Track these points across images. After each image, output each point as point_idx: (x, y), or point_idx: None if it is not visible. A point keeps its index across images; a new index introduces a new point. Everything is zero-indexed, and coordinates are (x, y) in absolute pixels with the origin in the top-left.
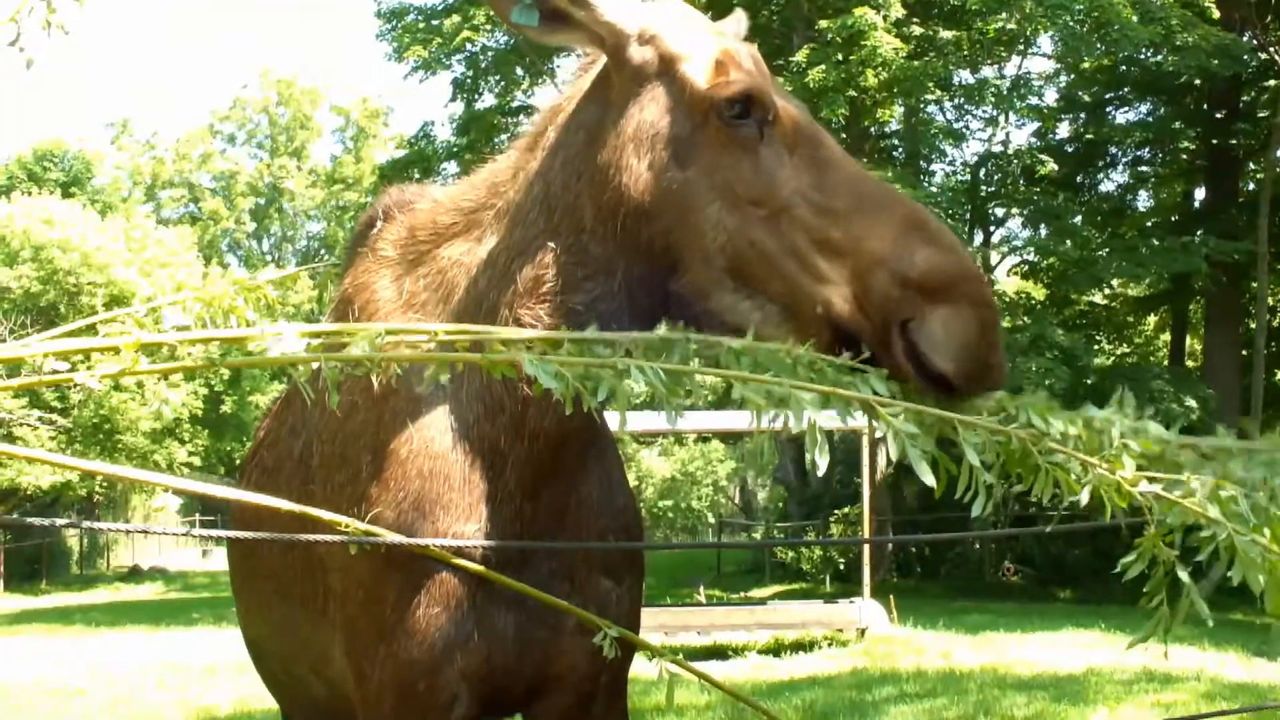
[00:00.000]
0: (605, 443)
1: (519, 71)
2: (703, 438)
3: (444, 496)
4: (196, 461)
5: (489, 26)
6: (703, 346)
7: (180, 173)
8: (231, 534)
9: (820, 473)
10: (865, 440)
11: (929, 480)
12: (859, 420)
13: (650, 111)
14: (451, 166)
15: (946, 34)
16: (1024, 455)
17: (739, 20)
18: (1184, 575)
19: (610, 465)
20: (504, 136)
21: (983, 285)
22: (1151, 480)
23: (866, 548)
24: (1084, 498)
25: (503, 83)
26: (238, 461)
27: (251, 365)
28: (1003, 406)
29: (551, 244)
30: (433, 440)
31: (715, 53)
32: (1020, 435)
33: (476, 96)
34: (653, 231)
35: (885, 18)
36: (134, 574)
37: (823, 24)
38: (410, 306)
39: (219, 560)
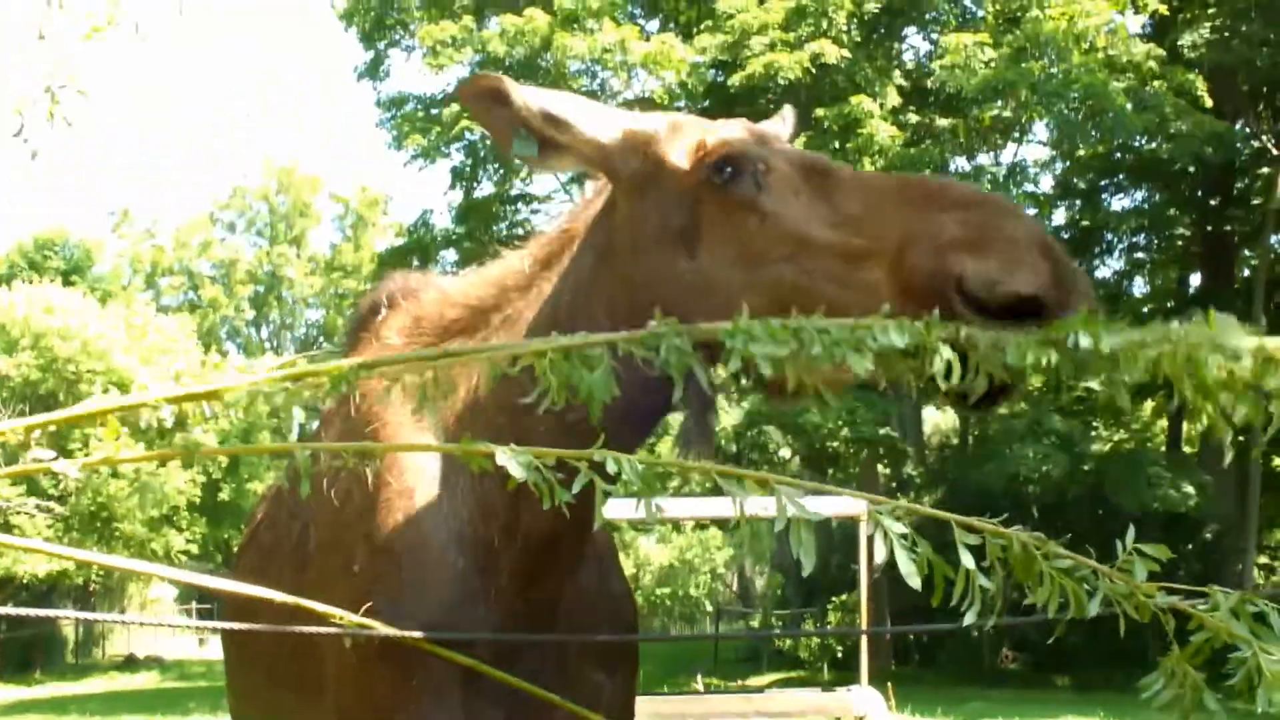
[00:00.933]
0: (600, 534)
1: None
2: (701, 525)
3: (436, 591)
4: (194, 549)
5: None
6: (692, 335)
7: (180, 260)
8: (221, 625)
9: (806, 572)
10: (863, 526)
11: (914, 584)
12: (856, 506)
13: (651, 216)
14: (450, 254)
15: (943, 122)
16: (1028, 560)
17: (786, 119)
18: (1211, 703)
19: (604, 555)
20: (503, 225)
21: (1021, 218)
22: (1170, 592)
23: (864, 642)
24: (1093, 609)
25: (501, 171)
26: (236, 550)
27: (233, 454)
28: (1049, 336)
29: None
30: (426, 535)
31: (697, 137)
32: (1023, 539)
33: (475, 185)
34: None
35: (882, 105)
36: (129, 663)
37: (820, 112)
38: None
39: (216, 649)
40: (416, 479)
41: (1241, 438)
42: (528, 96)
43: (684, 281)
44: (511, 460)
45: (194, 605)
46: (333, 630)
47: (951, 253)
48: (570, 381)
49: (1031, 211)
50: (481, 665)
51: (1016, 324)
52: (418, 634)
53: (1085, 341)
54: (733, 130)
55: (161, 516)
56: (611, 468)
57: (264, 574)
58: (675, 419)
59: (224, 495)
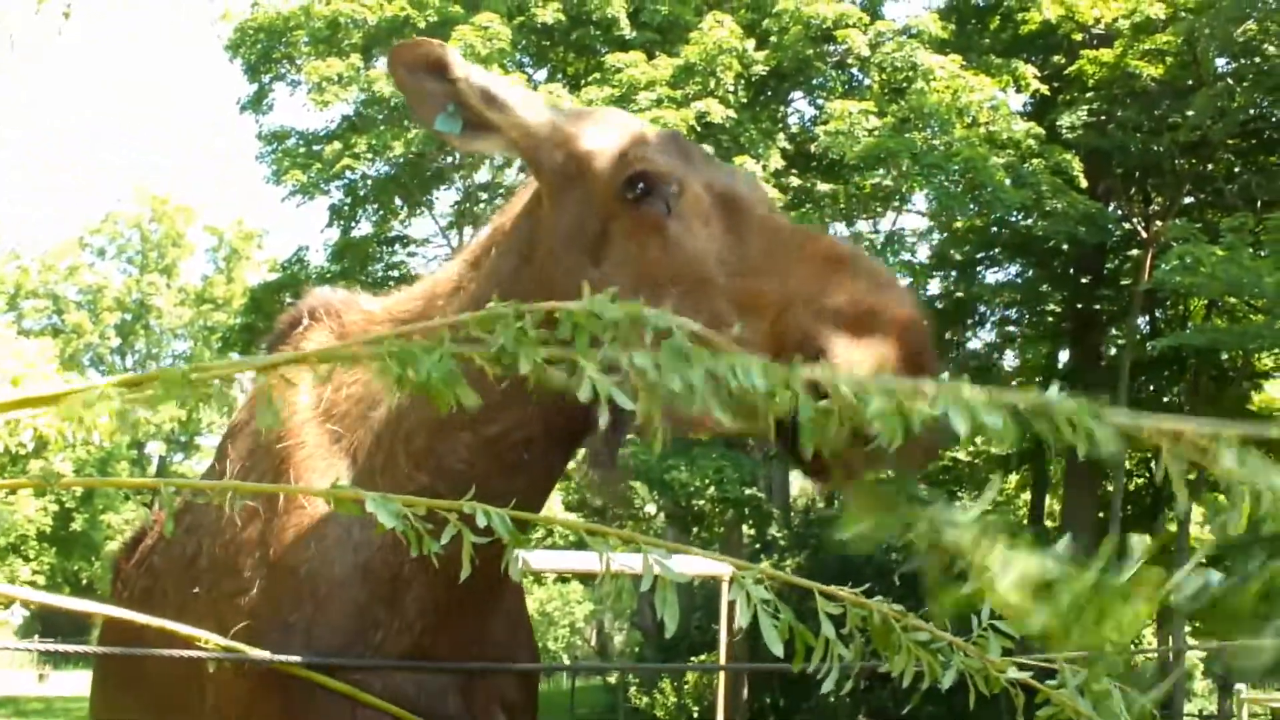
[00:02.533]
0: (514, 590)
1: (397, 201)
2: (562, 578)
3: (335, 621)
4: (41, 580)
5: (369, 155)
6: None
7: (45, 284)
8: (81, 649)
9: (669, 633)
10: (725, 587)
11: (776, 650)
12: (719, 567)
13: (567, 216)
14: (325, 290)
15: (824, 187)
16: (887, 630)
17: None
18: None
19: (515, 599)
20: (378, 265)
21: (908, 308)
22: (1021, 668)
23: (721, 699)
24: (948, 680)
25: (380, 212)
26: (85, 581)
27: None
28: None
29: (473, 378)
30: (331, 562)
31: (622, 143)
32: (883, 610)
33: (353, 224)
34: None
35: (765, 167)
36: None
37: None
38: (329, 416)
39: (56, 685)
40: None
41: (1101, 514)
42: (469, 71)
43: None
44: (380, 508)
45: (36, 638)
46: (207, 654)
47: (823, 324)
48: (409, 372)
49: (907, 281)
50: (374, 699)
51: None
52: (296, 659)
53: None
54: (658, 144)
55: (8, 545)
56: (481, 520)
57: (151, 594)
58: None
59: (76, 525)
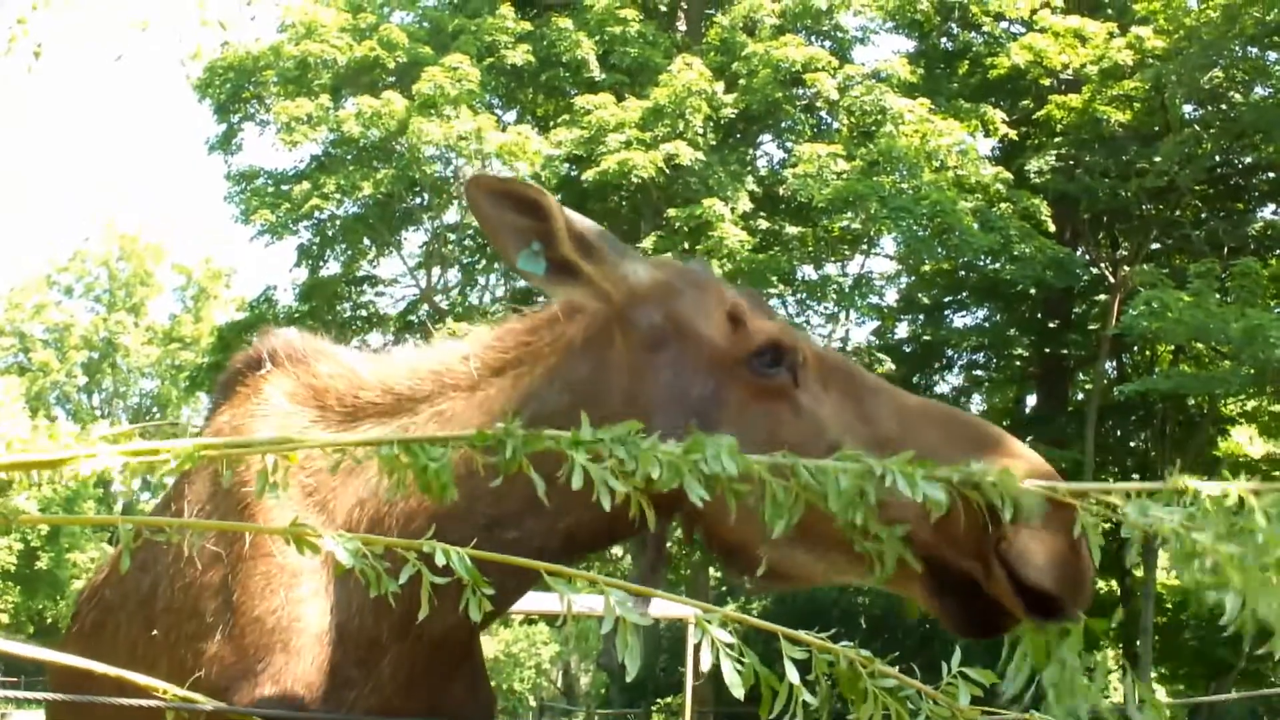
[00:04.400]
0: (477, 640)
1: (366, 241)
2: (528, 619)
3: (307, 675)
4: (4, 619)
5: (338, 195)
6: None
7: (12, 322)
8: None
9: (630, 677)
10: (691, 629)
11: (738, 694)
12: (685, 609)
13: (665, 374)
14: (291, 332)
15: (792, 229)
16: (853, 677)
17: (703, 263)
18: None
19: (478, 660)
20: (346, 305)
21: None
22: (989, 714)
23: None
24: None
25: (349, 252)
26: (50, 621)
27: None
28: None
29: (502, 485)
30: (306, 617)
31: (726, 306)
32: (850, 655)
33: (322, 264)
34: (670, 501)
35: (733, 210)
36: None
37: (671, 212)
38: (302, 468)
39: None
40: (302, 558)
41: None
42: (568, 214)
43: None
44: (338, 546)
45: None
46: (164, 704)
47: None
48: (415, 473)
49: (875, 324)
50: None
51: (1029, 608)
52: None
53: (902, 484)
54: (757, 306)
55: None
56: (440, 560)
57: (102, 628)
58: None
59: (42, 564)
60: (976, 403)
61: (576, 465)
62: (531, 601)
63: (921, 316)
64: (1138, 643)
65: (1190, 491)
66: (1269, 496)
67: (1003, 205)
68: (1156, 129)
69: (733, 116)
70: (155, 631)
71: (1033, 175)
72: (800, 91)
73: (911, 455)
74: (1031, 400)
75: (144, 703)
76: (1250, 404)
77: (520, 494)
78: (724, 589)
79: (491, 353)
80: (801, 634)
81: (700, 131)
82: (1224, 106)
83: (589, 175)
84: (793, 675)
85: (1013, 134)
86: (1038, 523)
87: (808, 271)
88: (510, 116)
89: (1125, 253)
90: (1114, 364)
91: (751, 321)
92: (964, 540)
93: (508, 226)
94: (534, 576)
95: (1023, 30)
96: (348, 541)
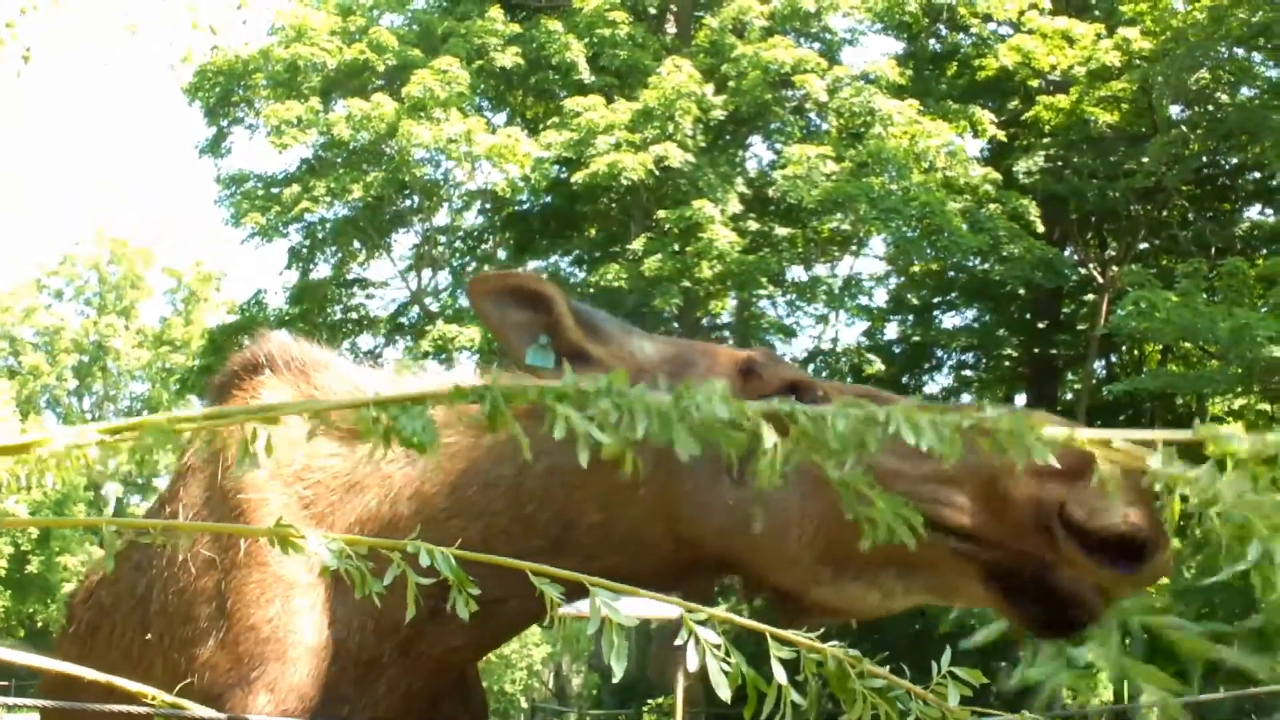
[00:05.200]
0: (475, 667)
1: (356, 244)
2: None
3: (302, 687)
4: None
5: (328, 198)
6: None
7: (2, 325)
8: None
9: (616, 678)
10: (683, 630)
11: (725, 696)
12: (676, 610)
13: None
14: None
15: (782, 231)
16: (842, 677)
17: None
18: None
19: (476, 683)
20: (337, 308)
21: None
22: (979, 714)
23: None
24: None
25: (339, 254)
26: (40, 625)
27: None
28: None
29: (515, 525)
30: (301, 629)
31: (737, 360)
32: (839, 656)
33: (312, 266)
34: (713, 555)
35: (723, 211)
36: None
37: (661, 214)
38: (300, 479)
39: None
40: (299, 571)
41: None
42: (572, 304)
43: (729, 505)
44: (322, 545)
45: None
46: (153, 709)
47: (1049, 480)
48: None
49: (865, 325)
50: None
51: (1112, 564)
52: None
53: (906, 430)
54: (770, 356)
55: None
56: (424, 560)
57: (98, 630)
58: None
59: (32, 568)
60: (967, 402)
61: (559, 417)
62: None
63: (911, 317)
64: (1126, 642)
65: (1218, 443)
66: None
67: (991, 206)
68: (1144, 130)
69: (722, 118)
70: (149, 635)
71: (1021, 176)
72: (789, 93)
73: (917, 402)
74: (1021, 400)
75: (132, 709)
76: (1238, 403)
77: (543, 533)
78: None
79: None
80: (789, 634)
81: (690, 133)
82: (1211, 107)
83: (579, 177)
84: (780, 676)
85: (1001, 135)
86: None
87: (797, 273)
88: (500, 119)
89: (1113, 253)
90: (1103, 363)
91: (765, 370)
92: (1017, 517)
93: (512, 324)
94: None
95: (1010, 32)
96: (331, 542)
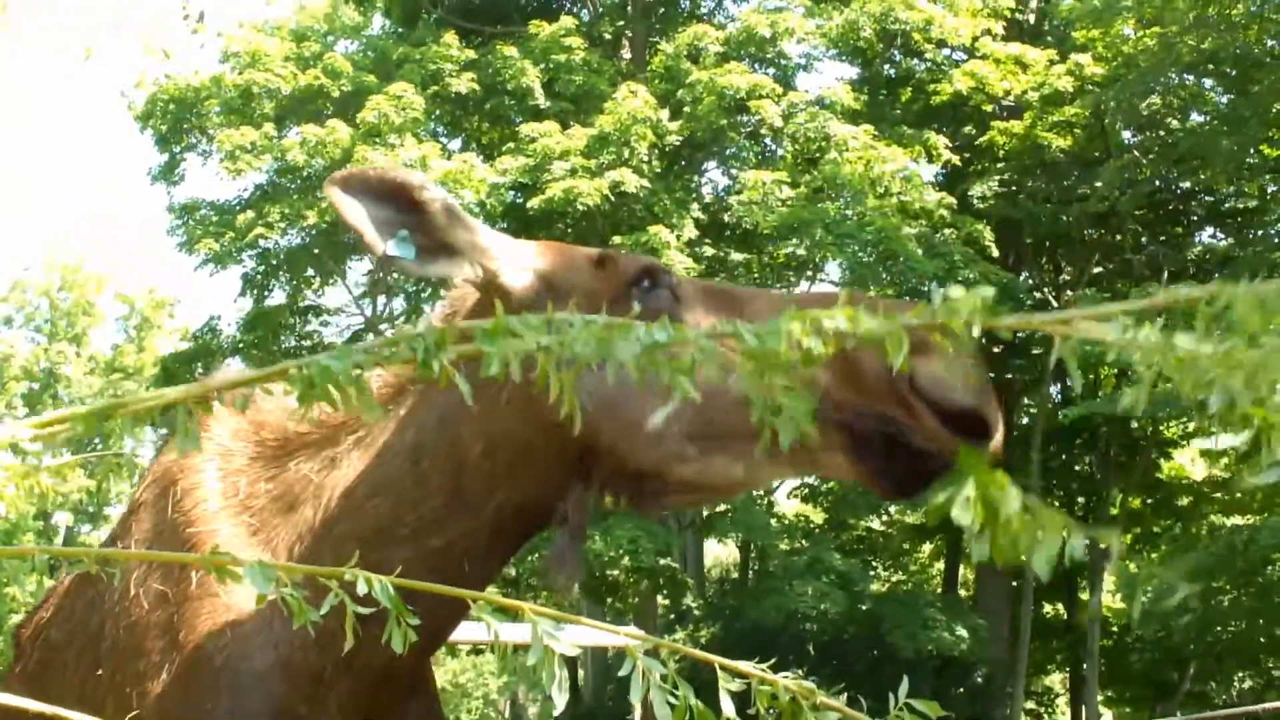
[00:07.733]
0: (427, 669)
1: (310, 270)
2: (476, 649)
3: (256, 714)
4: None
5: (282, 224)
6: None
7: None
8: None
9: (558, 710)
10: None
11: None
12: (628, 640)
13: None
14: (236, 362)
15: (738, 256)
16: (795, 709)
17: None
18: None
19: (430, 691)
20: (291, 336)
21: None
22: None
23: None
24: None
25: (294, 281)
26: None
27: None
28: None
29: (415, 487)
30: (250, 655)
31: (591, 254)
32: (791, 687)
33: (266, 293)
34: (579, 444)
35: (679, 237)
36: None
37: (617, 239)
38: (246, 508)
39: None
40: (245, 595)
41: (1015, 583)
42: (437, 191)
43: (596, 396)
44: (256, 573)
45: None
46: None
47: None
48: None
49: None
50: None
51: (954, 435)
52: None
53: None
54: (619, 254)
55: None
56: (362, 588)
57: (49, 667)
58: None
59: None
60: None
61: (494, 358)
62: (478, 631)
63: None
64: (1084, 666)
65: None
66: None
67: (947, 231)
68: (1097, 154)
69: (677, 144)
70: (101, 671)
71: (976, 201)
72: (744, 119)
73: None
74: None
75: None
76: (1192, 426)
77: (438, 487)
78: (672, 617)
79: (394, 369)
80: (740, 664)
81: (645, 159)
82: (1162, 132)
83: (534, 203)
84: (728, 709)
85: (956, 160)
86: (930, 352)
87: None
88: (455, 144)
89: (1068, 277)
90: (1058, 388)
91: (620, 261)
92: (875, 384)
93: (376, 220)
94: (478, 589)
95: (965, 57)
96: (266, 569)
